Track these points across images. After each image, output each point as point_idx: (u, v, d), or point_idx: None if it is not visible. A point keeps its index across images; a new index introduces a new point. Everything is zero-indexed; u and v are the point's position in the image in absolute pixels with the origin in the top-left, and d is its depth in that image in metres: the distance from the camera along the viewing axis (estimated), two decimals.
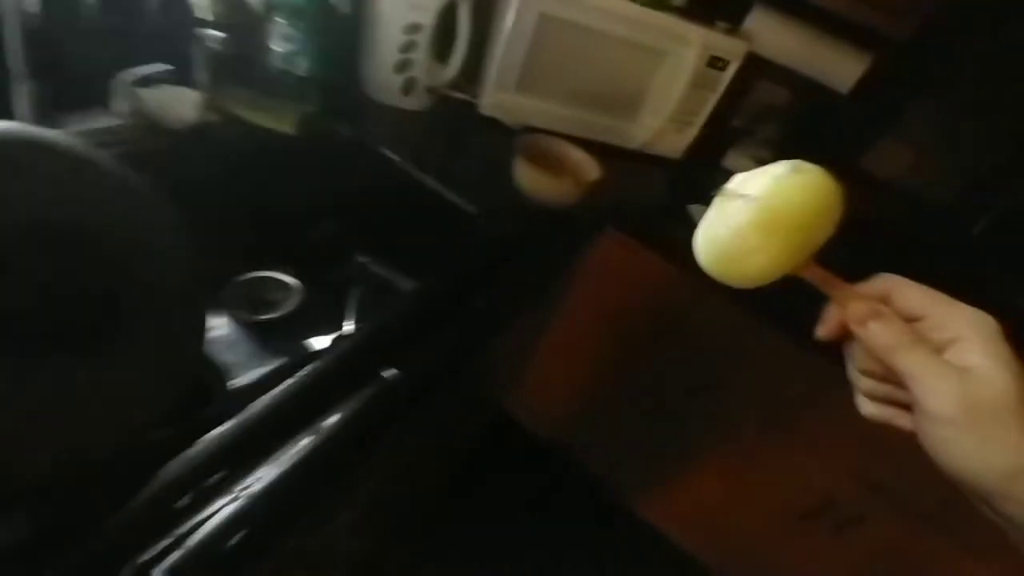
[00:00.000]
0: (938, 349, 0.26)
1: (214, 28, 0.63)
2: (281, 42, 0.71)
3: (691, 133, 1.10)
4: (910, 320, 0.28)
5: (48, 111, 0.54)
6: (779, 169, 0.28)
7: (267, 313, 0.74)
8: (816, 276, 0.29)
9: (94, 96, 0.58)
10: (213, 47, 0.63)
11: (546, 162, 0.83)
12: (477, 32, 0.92)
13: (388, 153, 0.78)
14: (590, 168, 0.84)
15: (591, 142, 1.01)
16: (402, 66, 0.87)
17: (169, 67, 0.61)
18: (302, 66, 0.74)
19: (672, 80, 1.01)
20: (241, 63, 0.70)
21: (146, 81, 0.60)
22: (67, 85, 0.56)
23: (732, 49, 1.00)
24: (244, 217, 0.73)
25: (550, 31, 0.92)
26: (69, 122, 0.57)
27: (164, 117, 0.63)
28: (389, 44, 0.85)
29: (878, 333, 0.27)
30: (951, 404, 0.25)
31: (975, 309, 0.27)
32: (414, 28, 0.84)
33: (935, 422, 0.25)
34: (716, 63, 1.01)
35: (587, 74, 0.99)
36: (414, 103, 0.93)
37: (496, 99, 0.98)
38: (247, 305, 0.72)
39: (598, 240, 0.97)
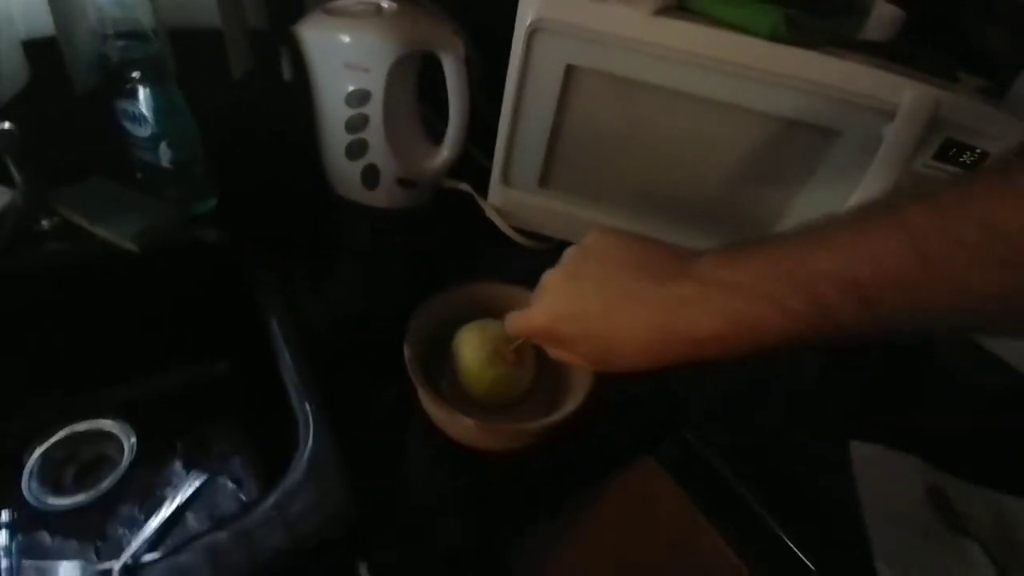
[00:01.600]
0: None
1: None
2: (131, 122, 0.51)
3: None
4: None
5: None
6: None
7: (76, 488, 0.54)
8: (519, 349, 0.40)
9: None
10: (16, 142, 0.46)
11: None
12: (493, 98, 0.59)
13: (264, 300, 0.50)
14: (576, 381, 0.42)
15: None
16: (355, 150, 0.59)
17: None
18: (165, 156, 0.52)
19: (845, 185, 0.50)
20: (72, 153, 0.51)
21: None
22: None
23: (999, 128, 0.44)
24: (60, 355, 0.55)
25: (593, 95, 0.53)
26: None
27: None
28: (334, 121, 0.58)
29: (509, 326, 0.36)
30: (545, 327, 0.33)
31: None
32: (360, 98, 0.56)
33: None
34: (958, 154, 0.46)
35: (670, 167, 0.56)
36: (384, 198, 0.64)
37: (504, 199, 0.62)
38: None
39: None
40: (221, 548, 0.34)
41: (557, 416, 0.38)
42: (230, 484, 0.56)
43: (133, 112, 0.50)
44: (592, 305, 0.30)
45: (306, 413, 0.42)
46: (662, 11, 0.46)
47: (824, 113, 0.48)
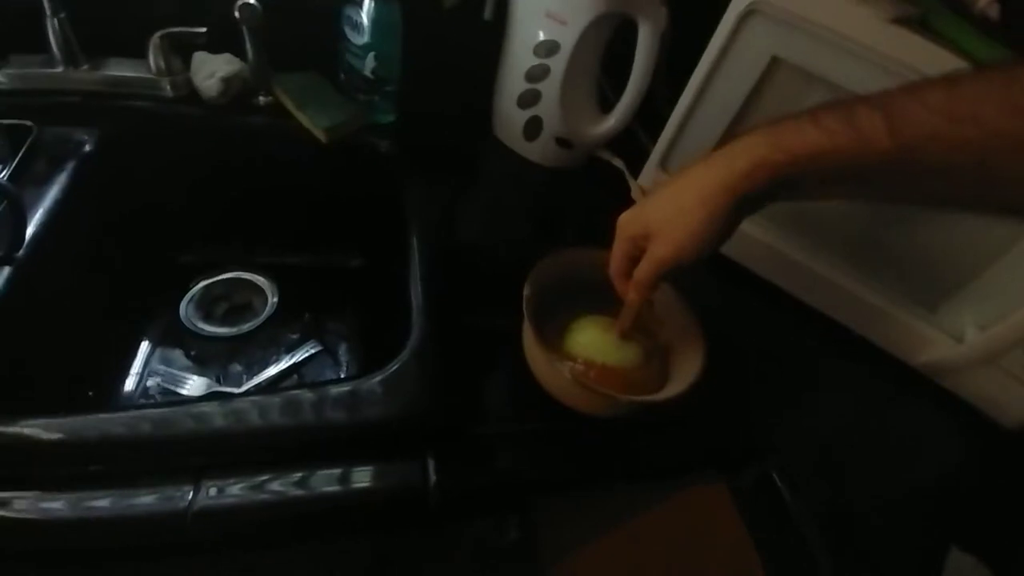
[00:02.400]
0: None
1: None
2: (351, 29, 0.57)
3: None
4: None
5: (74, 49, 0.54)
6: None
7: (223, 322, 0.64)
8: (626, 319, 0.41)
9: (136, 48, 0.56)
10: (256, 17, 0.54)
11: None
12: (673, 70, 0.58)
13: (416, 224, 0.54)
14: (687, 359, 0.41)
15: (815, 317, 0.53)
16: (528, 99, 0.62)
17: (202, 29, 0.54)
18: (368, 65, 0.58)
19: None
20: (299, 44, 0.59)
21: (183, 42, 0.56)
22: (107, 31, 0.56)
23: None
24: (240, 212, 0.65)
25: (790, 95, 0.49)
26: (104, 64, 0.57)
27: (196, 84, 0.58)
28: (517, 68, 0.60)
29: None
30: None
31: None
32: (548, 49, 0.57)
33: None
34: None
35: None
36: (538, 152, 0.66)
37: (657, 183, 0.61)
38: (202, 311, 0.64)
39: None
40: (303, 403, 0.38)
41: (647, 397, 0.38)
42: (337, 360, 0.62)
43: (356, 20, 0.56)
44: (663, 191, 0.35)
45: (419, 318, 0.46)
46: (901, 20, 0.41)
47: None
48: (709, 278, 0.59)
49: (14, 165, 0.50)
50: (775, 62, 0.48)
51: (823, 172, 0.29)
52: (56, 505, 0.32)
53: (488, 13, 0.63)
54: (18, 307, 0.44)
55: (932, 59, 0.41)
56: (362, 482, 0.37)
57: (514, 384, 0.44)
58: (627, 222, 0.36)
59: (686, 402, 0.38)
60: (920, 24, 0.43)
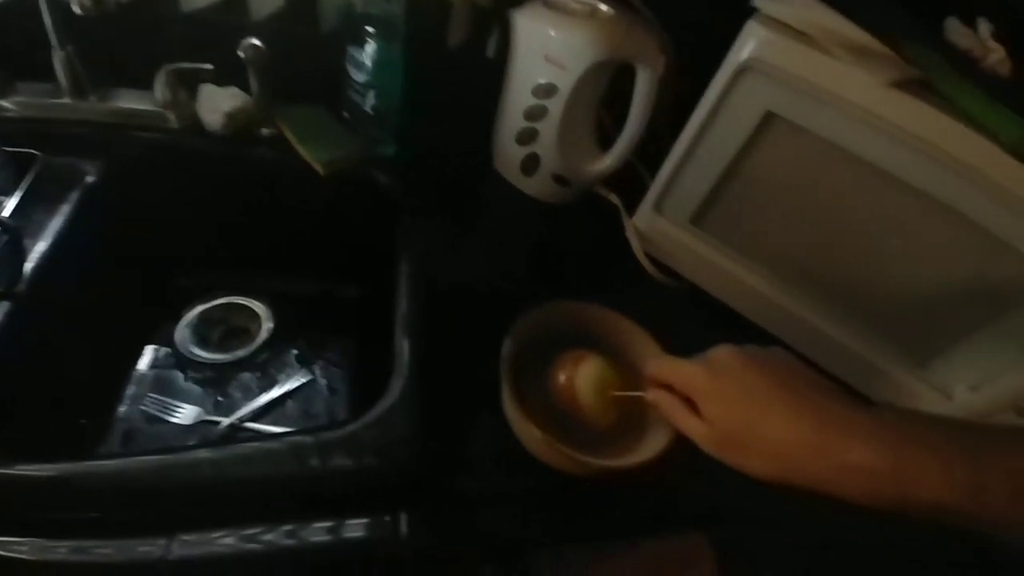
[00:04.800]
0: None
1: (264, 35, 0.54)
2: (354, 67, 0.58)
3: None
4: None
5: (81, 80, 0.55)
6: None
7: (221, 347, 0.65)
8: (622, 401, 0.41)
9: (142, 80, 0.57)
10: (261, 56, 0.55)
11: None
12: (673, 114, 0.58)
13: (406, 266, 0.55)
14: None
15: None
16: (525, 137, 0.62)
17: (210, 66, 0.55)
18: (369, 102, 0.59)
19: None
20: (303, 79, 0.60)
21: (189, 76, 0.57)
22: (114, 63, 0.57)
23: None
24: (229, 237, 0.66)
25: (784, 149, 0.50)
26: (110, 96, 0.58)
27: (202, 116, 0.59)
28: (516, 106, 0.61)
29: (663, 408, 0.36)
30: (711, 447, 0.32)
31: (691, 368, 0.35)
32: (547, 91, 0.58)
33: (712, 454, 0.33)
34: None
35: (844, 246, 0.51)
36: (535, 188, 0.66)
37: (651, 226, 0.61)
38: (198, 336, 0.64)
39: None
40: (303, 449, 0.39)
41: (615, 463, 0.38)
42: (327, 390, 0.63)
43: (358, 59, 0.57)
44: (761, 391, 0.31)
45: (403, 354, 0.46)
46: (901, 83, 0.41)
47: None
48: (699, 327, 0.59)
49: (18, 194, 0.51)
50: (769, 116, 0.48)
51: (931, 514, 0.26)
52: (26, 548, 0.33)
53: (491, 51, 0.64)
54: (18, 337, 0.45)
55: (932, 125, 0.41)
56: (338, 534, 0.37)
57: (495, 435, 0.45)
58: (702, 397, 0.33)
59: (666, 462, 0.38)
60: (924, 87, 0.43)
